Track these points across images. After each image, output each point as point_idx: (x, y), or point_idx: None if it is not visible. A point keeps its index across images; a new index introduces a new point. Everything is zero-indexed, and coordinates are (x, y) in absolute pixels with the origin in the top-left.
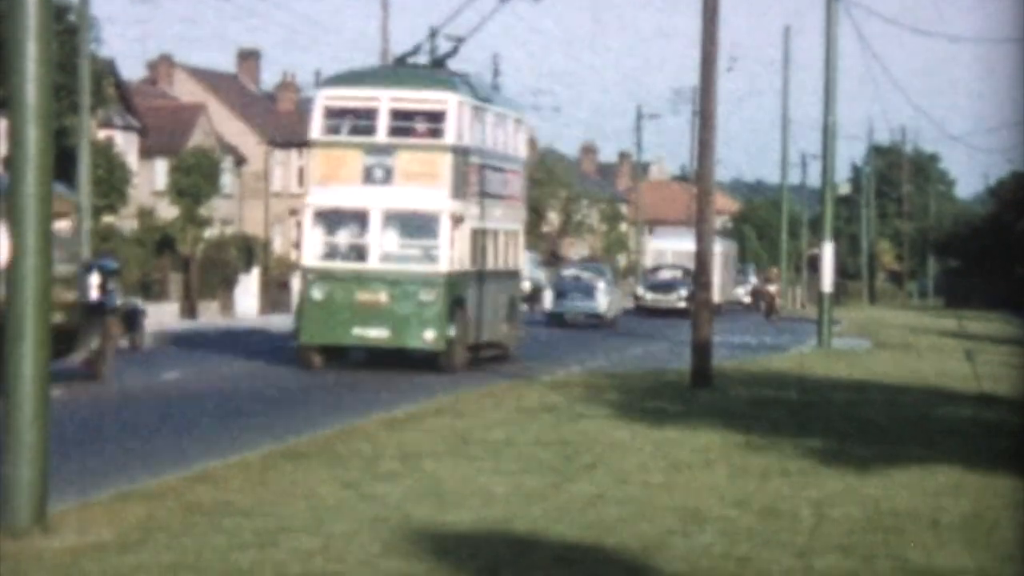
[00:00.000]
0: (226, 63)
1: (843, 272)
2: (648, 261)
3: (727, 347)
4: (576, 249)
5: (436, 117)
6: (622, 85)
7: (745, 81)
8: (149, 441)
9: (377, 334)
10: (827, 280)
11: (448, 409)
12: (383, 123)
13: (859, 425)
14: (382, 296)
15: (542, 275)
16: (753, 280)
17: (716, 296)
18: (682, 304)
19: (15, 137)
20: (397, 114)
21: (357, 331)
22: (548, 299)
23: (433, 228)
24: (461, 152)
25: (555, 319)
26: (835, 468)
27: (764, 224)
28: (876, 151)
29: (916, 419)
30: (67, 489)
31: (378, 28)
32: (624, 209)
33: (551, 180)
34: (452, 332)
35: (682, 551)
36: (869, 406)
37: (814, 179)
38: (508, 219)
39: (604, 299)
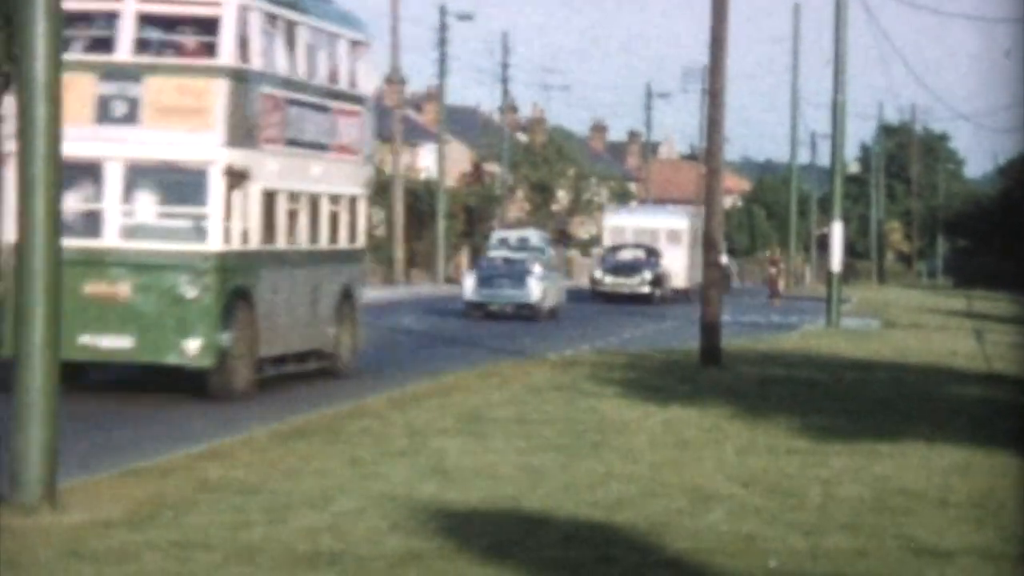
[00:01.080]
0: None
1: (852, 252)
2: (606, 240)
3: (736, 326)
4: (586, 228)
5: (207, 26)
6: (632, 64)
7: (754, 60)
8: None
9: (113, 344)
10: (836, 260)
11: (456, 387)
12: (126, 34)
13: (868, 404)
14: (121, 288)
15: (552, 254)
16: (724, 259)
17: (682, 280)
18: (645, 289)
19: (25, 114)
20: (148, 20)
21: (85, 340)
22: (468, 285)
23: (199, 189)
24: (244, 78)
25: (476, 310)
26: (843, 447)
27: (773, 203)
28: (886, 130)
29: (924, 398)
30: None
31: (388, 4)
32: (633, 188)
33: (560, 158)
34: (227, 340)
35: (690, 529)
36: (878, 385)
37: (824, 158)
38: (337, 179)
39: (538, 286)
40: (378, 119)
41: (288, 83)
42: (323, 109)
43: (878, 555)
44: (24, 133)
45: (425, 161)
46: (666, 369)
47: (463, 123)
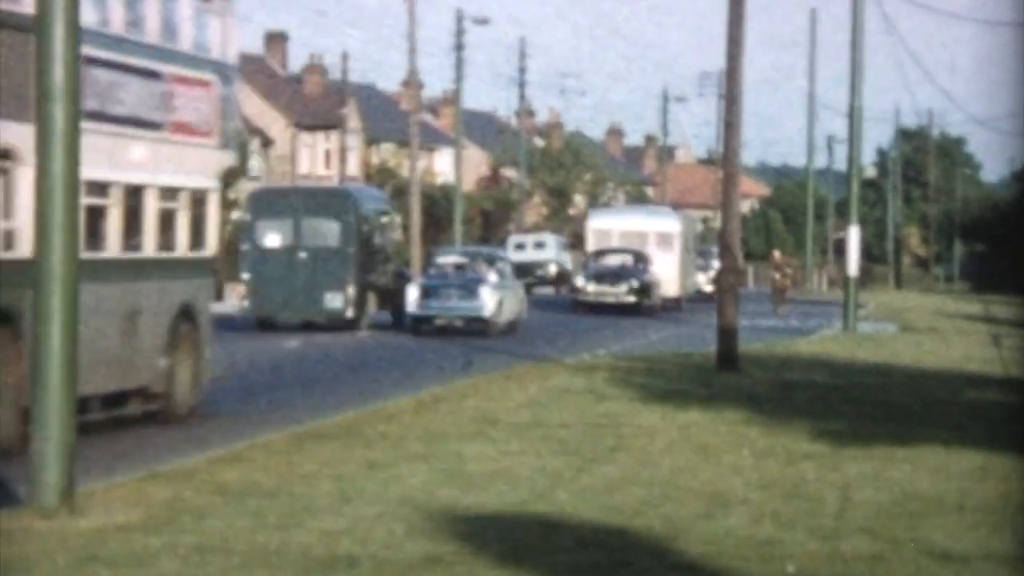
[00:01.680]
0: (253, 45)
1: (869, 256)
2: (589, 244)
3: (754, 331)
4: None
5: None
6: (649, 68)
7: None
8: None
9: None
10: (853, 264)
11: (474, 391)
12: None
13: (884, 409)
14: None
15: (568, 259)
16: (716, 264)
17: (674, 287)
18: (632, 298)
19: (43, 116)
20: None
21: None
22: (412, 298)
23: None
24: (9, 22)
25: (421, 325)
26: (860, 451)
27: (790, 208)
28: (903, 135)
29: (942, 403)
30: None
31: (406, 9)
32: (650, 192)
33: (577, 163)
34: None
35: (707, 534)
36: (895, 390)
37: (840, 163)
38: (174, 168)
39: (491, 297)
40: (396, 123)
41: (90, 35)
42: (151, 75)
43: (895, 560)
44: (41, 137)
45: (442, 165)
46: (683, 373)
47: (480, 127)
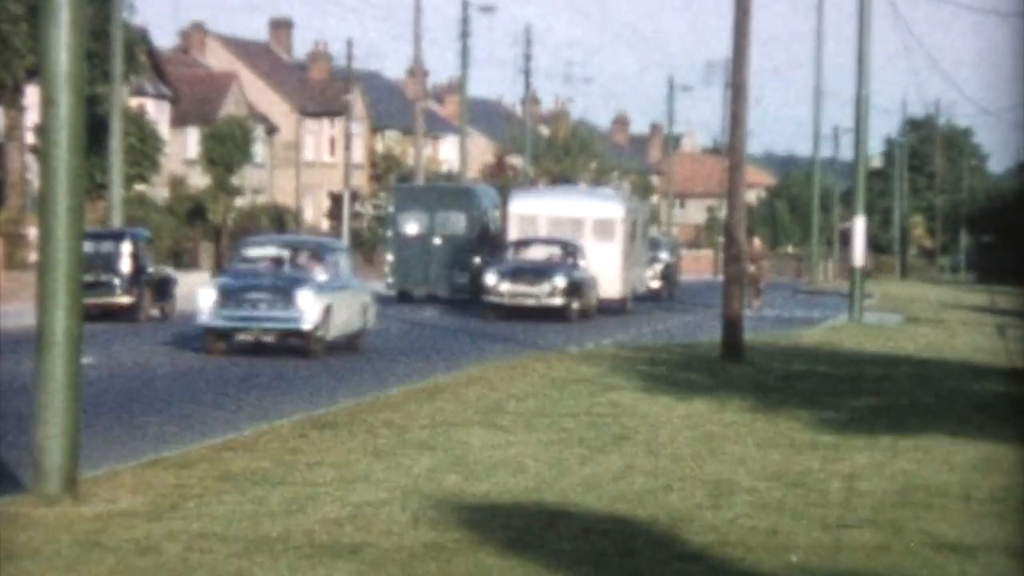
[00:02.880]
0: (259, 32)
1: (875, 246)
2: (510, 232)
3: (759, 320)
4: None
5: None
6: (655, 57)
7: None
8: (169, 409)
9: None
10: (859, 254)
11: (479, 379)
12: None
13: (890, 399)
14: None
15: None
16: (666, 256)
17: (616, 287)
18: (557, 300)
19: (48, 104)
20: None
21: None
22: (206, 303)
23: None
24: None
25: (217, 341)
26: (865, 442)
27: (796, 198)
28: (909, 124)
29: (947, 394)
30: (94, 456)
31: None
32: (655, 181)
33: (582, 151)
34: None
35: (711, 523)
36: (900, 380)
37: (847, 152)
38: None
39: (314, 304)
40: (400, 110)
41: None
42: None
43: (900, 550)
44: (47, 124)
45: (447, 153)
46: (688, 363)
47: (485, 115)
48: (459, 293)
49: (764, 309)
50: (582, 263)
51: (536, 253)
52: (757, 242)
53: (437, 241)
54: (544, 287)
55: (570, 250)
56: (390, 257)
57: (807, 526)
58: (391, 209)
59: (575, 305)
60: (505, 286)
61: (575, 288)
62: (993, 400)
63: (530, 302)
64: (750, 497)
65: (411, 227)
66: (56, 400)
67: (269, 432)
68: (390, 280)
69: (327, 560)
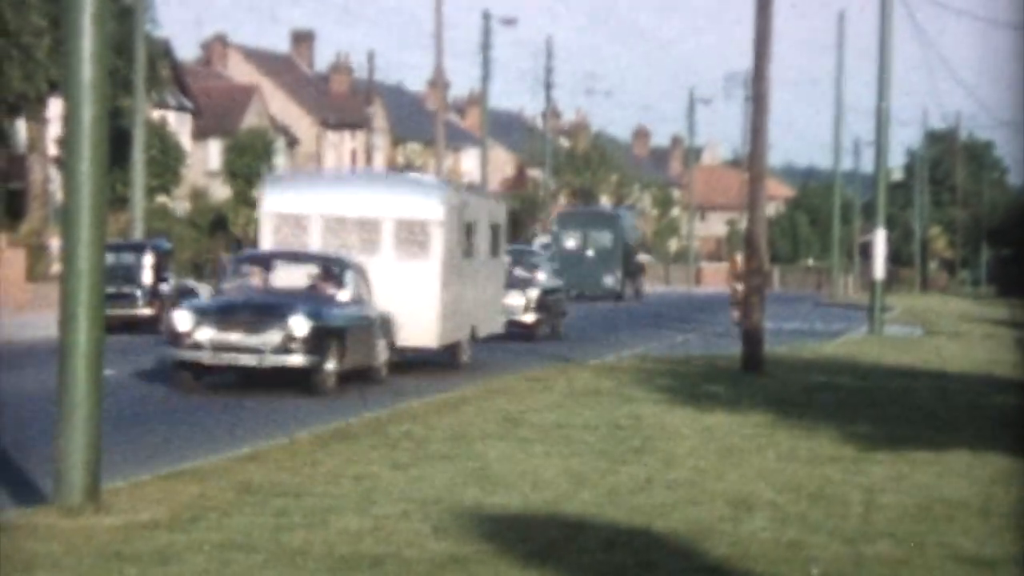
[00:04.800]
0: (280, 44)
1: (895, 259)
2: (262, 241)
3: (780, 333)
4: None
5: None
6: (675, 70)
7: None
8: (192, 423)
9: None
10: (879, 267)
11: (499, 391)
12: None
13: (910, 412)
14: None
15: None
16: (543, 276)
17: (430, 330)
18: (296, 359)
19: (71, 117)
20: None
21: None
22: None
23: None
24: None
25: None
26: (886, 454)
27: (816, 210)
28: (930, 137)
29: (967, 407)
30: (118, 468)
31: (433, 9)
32: (676, 194)
33: (603, 164)
34: None
35: (731, 536)
36: (920, 393)
37: (867, 165)
38: None
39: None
40: (421, 122)
41: None
42: None
43: (920, 564)
44: (70, 136)
45: (468, 165)
46: (708, 375)
47: (506, 128)
48: (606, 293)
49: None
50: (352, 293)
51: (281, 276)
52: (740, 258)
53: (590, 253)
54: (271, 336)
55: (333, 271)
56: (554, 265)
57: (827, 539)
58: (555, 228)
59: (330, 365)
60: (205, 334)
61: (328, 336)
62: (1013, 413)
63: (247, 360)
64: (771, 510)
65: (570, 242)
66: (78, 411)
67: (289, 444)
68: None
69: (348, 572)
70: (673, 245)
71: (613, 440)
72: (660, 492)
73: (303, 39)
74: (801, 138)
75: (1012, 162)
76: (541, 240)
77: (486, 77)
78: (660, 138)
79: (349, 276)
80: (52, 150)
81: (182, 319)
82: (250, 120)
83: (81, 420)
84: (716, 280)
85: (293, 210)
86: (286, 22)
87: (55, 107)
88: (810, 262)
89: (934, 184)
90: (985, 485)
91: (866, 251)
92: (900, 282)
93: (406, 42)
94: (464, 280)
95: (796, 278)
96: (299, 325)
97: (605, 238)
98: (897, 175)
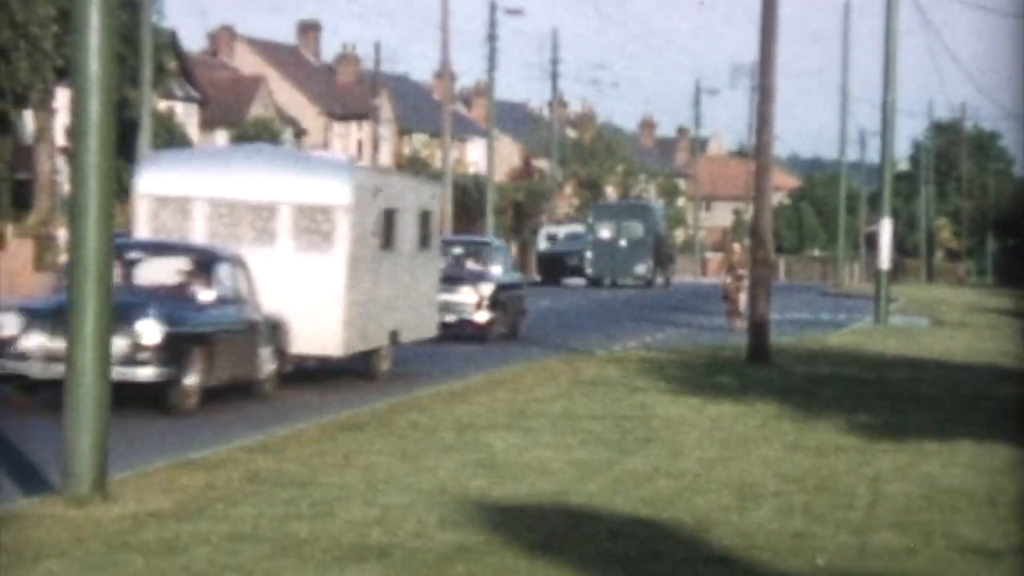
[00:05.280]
0: (287, 34)
1: (901, 249)
2: (139, 225)
3: (785, 324)
4: None
5: None
6: (681, 60)
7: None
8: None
9: None
10: (885, 257)
11: (505, 382)
12: None
13: (916, 402)
14: None
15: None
16: (498, 270)
17: (333, 338)
18: (144, 372)
19: (78, 107)
20: None
21: None
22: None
23: None
24: None
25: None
26: (891, 445)
27: (822, 201)
28: (936, 128)
29: (973, 397)
30: (123, 457)
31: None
32: (682, 184)
33: (609, 154)
34: None
35: (737, 526)
36: (926, 383)
37: (873, 156)
38: None
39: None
40: (428, 113)
41: None
42: None
43: (925, 553)
44: (77, 127)
45: (474, 156)
46: (713, 366)
47: (512, 118)
48: (638, 280)
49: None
50: (226, 291)
51: (146, 272)
52: (737, 248)
53: (622, 243)
54: (115, 344)
55: (201, 266)
56: (589, 254)
57: (833, 529)
58: (590, 219)
59: (190, 380)
60: (34, 340)
61: (187, 344)
62: (1019, 403)
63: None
64: (776, 500)
65: (604, 233)
66: (85, 401)
67: (296, 434)
68: (589, 271)
69: (355, 562)
70: (679, 235)
71: (619, 430)
72: (666, 482)
73: (310, 30)
74: (807, 129)
75: (1018, 153)
76: (547, 230)
77: (492, 68)
78: (666, 129)
79: (222, 271)
80: (59, 140)
81: (7, 322)
82: (257, 111)
83: (88, 411)
84: (721, 271)
85: (173, 192)
86: (292, 13)
87: (62, 97)
88: (816, 252)
89: (940, 175)
90: (991, 475)
91: (872, 241)
92: (905, 273)
93: (412, 33)
94: (381, 277)
95: (802, 268)
96: (149, 331)
97: (637, 229)
98: (903, 166)
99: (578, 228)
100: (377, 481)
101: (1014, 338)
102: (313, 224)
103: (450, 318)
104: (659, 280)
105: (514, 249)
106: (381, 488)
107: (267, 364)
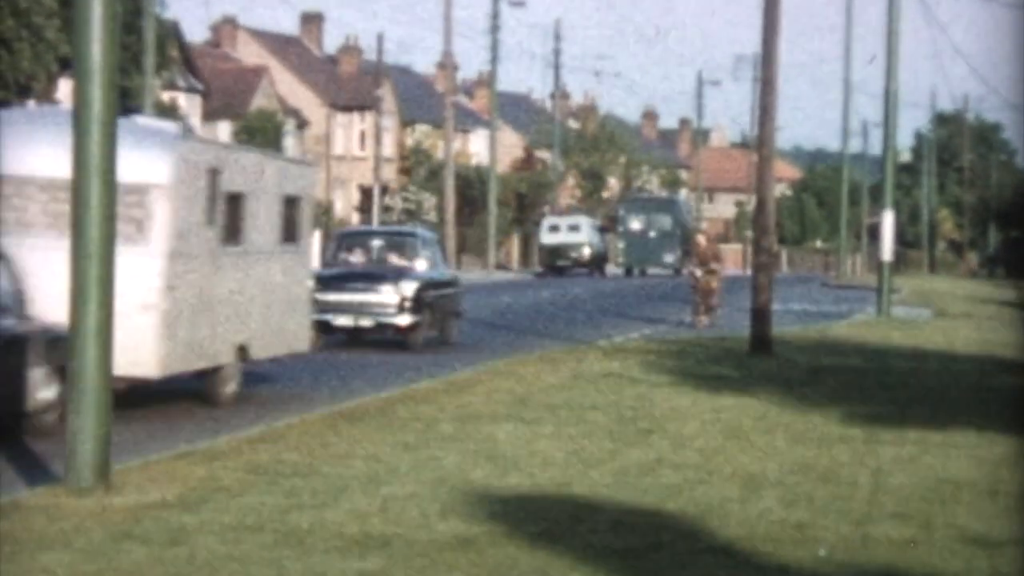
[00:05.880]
0: (289, 26)
1: (903, 241)
2: None
3: (787, 314)
4: None
5: None
6: (683, 52)
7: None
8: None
9: None
10: (887, 249)
11: (507, 373)
12: None
13: (918, 393)
14: None
15: (599, 241)
16: (423, 266)
17: (152, 352)
18: None
19: (80, 97)
20: None
21: None
22: None
23: None
24: None
25: None
26: (894, 436)
27: (824, 192)
28: (938, 119)
29: (975, 388)
30: (126, 448)
31: None
32: (684, 175)
33: (611, 145)
34: None
35: (740, 517)
36: (928, 374)
37: (875, 147)
38: None
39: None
40: (430, 104)
41: None
42: None
43: (928, 544)
44: (79, 117)
45: (476, 147)
46: (716, 357)
47: (515, 110)
48: (666, 269)
49: (716, 326)
50: None
51: None
52: (702, 240)
53: (652, 234)
54: None
55: None
56: (621, 245)
57: (835, 520)
58: (621, 212)
59: None
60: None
61: None
62: (1021, 394)
63: None
64: (779, 491)
65: (634, 225)
66: (88, 392)
67: (298, 424)
68: (620, 260)
69: (357, 552)
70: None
71: (621, 421)
72: (669, 473)
73: (312, 21)
74: (809, 120)
75: (1020, 144)
76: (549, 221)
77: (495, 59)
78: (668, 120)
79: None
80: None
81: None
82: (259, 102)
83: (91, 401)
84: (688, 264)
85: None
86: (295, 4)
87: (65, 88)
88: (818, 244)
89: (942, 166)
90: (993, 466)
91: (874, 233)
92: (908, 264)
93: (415, 24)
94: (221, 278)
95: (804, 260)
96: None
97: (666, 221)
98: (905, 157)
99: (580, 219)
100: (379, 471)
101: (1016, 329)
102: (122, 208)
103: (366, 322)
104: (685, 270)
105: (516, 240)
106: (383, 478)
107: (44, 391)
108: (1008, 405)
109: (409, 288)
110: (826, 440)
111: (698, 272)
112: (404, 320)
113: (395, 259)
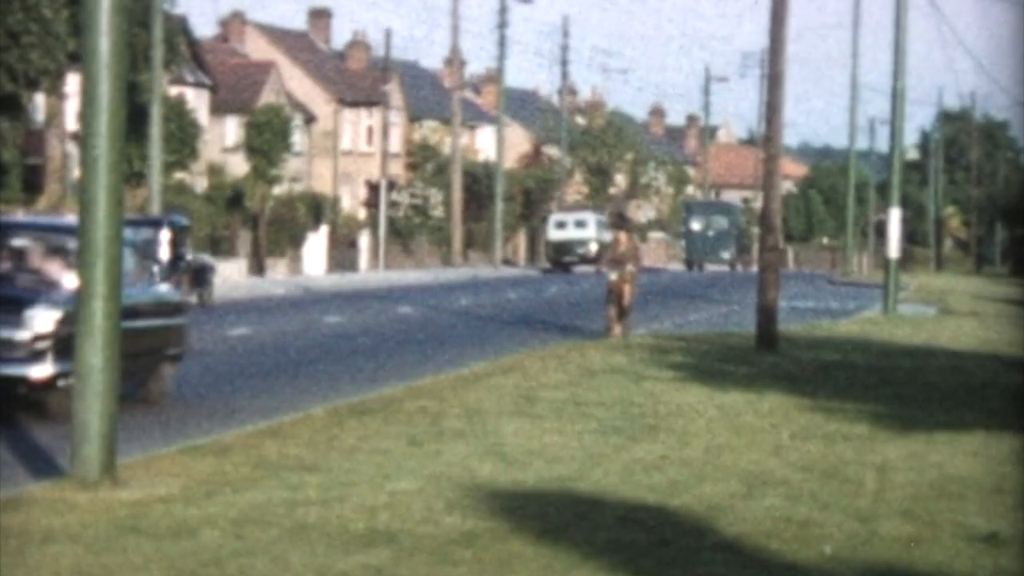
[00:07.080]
0: (297, 21)
1: (910, 238)
2: None
3: (794, 312)
4: (643, 211)
5: None
6: (691, 48)
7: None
8: (214, 396)
9: None
10: (894, 246)
11: (513, 368)
12: None
13: (924, 391)
14: None
15: (608, 237)
16: (22, 291)
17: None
18: None
19: (88, 91)
20: None
21: None
22: None
23: None
24: None
25: None
26: (899, 433)
27: (831, 189)
28: (945, 117)
29: (981, 386)
30: (131, 442)
31: None
32: (692, 172)
33: (619, 142)
34: None
35: (745, 513)
36: (934, 372)
37: (882, 144)
38: None
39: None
40: (438, 100)
41: None
42: None
43: (933, 542)
44: (87, 111)
45: (483, 143)
46: (722, 354)
47: (522, 106)
48: (723, 264)
49: (630, 335)
50: None
51: None
52: (623, 238)
53: (711, 233)
54: None
55: None
56: (683, 242)
57: (841, 517)
58: (684, 213)
59: None
60: None
61: None
62: None
63: None
64: (784, 488)
65: (696, 225)
66: (94, 386)
67: (305, 419)
68: (684, 255)
69: (363, 547)
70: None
71: (627, 417)
72: (674, 469)
73: (320, 16)
74: (816, 117)
75: None
76: (556, 217)
77: (502, 55)
78: (676, 116)
79: None
80: (71, 125)
81: None
82: (267, 97)
83: (97, 395)
84: (604, 264)
85: None
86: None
87: (74, 82)
88: (824, 241)
89: (949, 163)
90: (998, 464)
91: (880, 230)
92: (914, 261)
93: (423, 20)
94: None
95: (810, 256)
96: None
97: (723, 222)
98: (912, 154)
99: (587, 215)
100: (386, 467)
101: (1022, 327)
102: None
103: None
104: (739, 267)
105: (523, 236)
106: (389, 474)
107: None
108: (1014, 403)
109: (48, 319)
110: (832, 437)
111: (613, 275)
112: (41, 371)
113: (51, 267)
